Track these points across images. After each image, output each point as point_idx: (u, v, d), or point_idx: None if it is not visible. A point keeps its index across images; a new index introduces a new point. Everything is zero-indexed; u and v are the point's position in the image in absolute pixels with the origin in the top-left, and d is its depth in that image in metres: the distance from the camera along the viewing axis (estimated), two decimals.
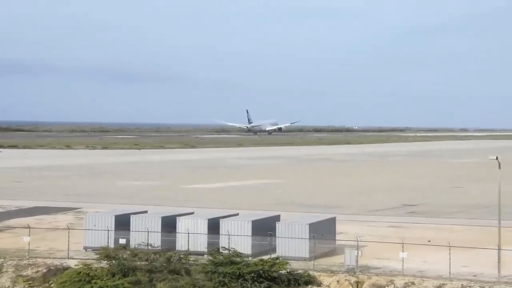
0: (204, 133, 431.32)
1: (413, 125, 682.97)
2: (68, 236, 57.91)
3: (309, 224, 56.26)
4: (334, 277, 50.89)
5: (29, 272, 53.65)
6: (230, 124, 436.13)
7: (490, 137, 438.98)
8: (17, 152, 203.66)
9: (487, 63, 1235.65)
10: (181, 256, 52.18)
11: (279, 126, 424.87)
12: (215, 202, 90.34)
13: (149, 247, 54.01)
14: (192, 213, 63.78)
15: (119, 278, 49.75)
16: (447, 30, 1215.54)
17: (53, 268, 53.90)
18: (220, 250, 53.15)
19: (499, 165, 50.58)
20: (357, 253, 52.18)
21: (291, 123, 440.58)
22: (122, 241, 56.67)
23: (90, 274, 50.27)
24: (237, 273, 49.36)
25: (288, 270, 50.57)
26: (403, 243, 52.94)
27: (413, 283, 49.61)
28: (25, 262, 54.76)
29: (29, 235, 58.27)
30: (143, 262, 51.36)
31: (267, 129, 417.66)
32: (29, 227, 60.50)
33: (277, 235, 56.10)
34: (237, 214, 62.91)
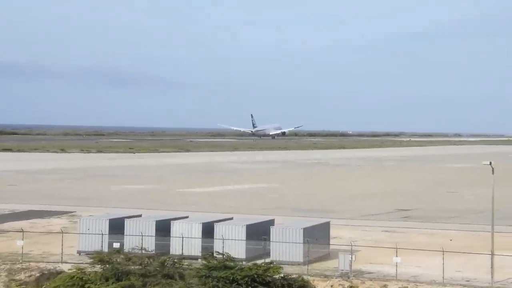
0: (199, 137, 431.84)
1: (407, 130, 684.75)
2: (62, 240, 57.79)
3: (303, 228, 56.30)
4: (328, 282, 50.92)
5: (22, 276, 53.49)
6: (235, 128, 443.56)
7: (483, 142, 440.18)
8: (11, 155, 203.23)
9: (481, 68, 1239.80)
10: (175, 260, 52.11)
11: (282, 131, 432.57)
12: (209, 206, 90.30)
13: (143, 251, 53.93)
14: (187, 217, 63.72)
15: (112, 283, 49.65)
16: (439, 35, 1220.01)
17: (46, 272, 53.76)
18: (214, 255, 53.12)
19: (493, 170, 50.72)
20: (351, 257, 52.22)
21: (294, 128, 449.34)
22: (116, 245, 56.55)
23: (83, 278, 50.14)
24: (231, 277, 49.33)
25: (282, 275, 50.54)
26: (397, 248, 53.01)
27: None
28: (18, 266, 54.60)
29: (22, 239, 58.12)
30: (137, 266, 51.26)
31: (271, 133, 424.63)
32: (22, 231, 60.35)
33: (271, 240, 56.12)
34: (231, 218, 62.91)
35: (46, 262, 55.79)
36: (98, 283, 49.63)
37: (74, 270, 51.29)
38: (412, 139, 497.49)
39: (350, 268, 52.08)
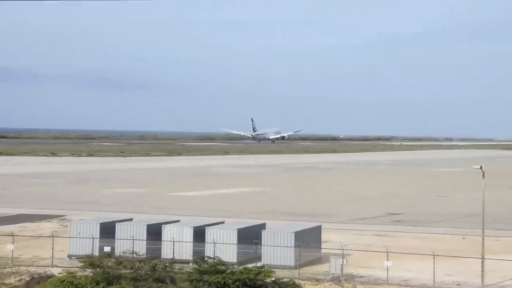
0: (190, 140, 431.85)
1: (398, 134, 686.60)
2: (52, 244, 57.58)
3: (295, 232, 56.34)
4: (319, 286, 50.97)
5: (12, 280, 53.26)
6: (235, 132, 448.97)
7: (474, 146, 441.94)
8: (1, 159, 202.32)
9: (472, 73, 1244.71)
10: (166, 264, 51.98)
11: (282, 135, 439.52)
12: (201, 210, 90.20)
13: (134, 255, 53.79)
14: (178, 221, 63.64)
15: (103, 287, 49.44)
16: (430, 39, 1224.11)
17: (36, 276, 53.55)
18: (205, 259, 53.06)
19: (483, 174, 50.93)
20: (342, 261, 52.28)
21: (294, 132, 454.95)
22: (107, 249, 56.43)
23: (74, 282, 49.92)
24: (222, 282, 49.25)
25: (274, 279, 50.50)
26: (388, 252, 53.10)
27: None
28: (8, 270, 54.36)
29: (12, 243, 57.87)
30: (128, 270, 51.10)
31: (270, 137, 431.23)
32: (12, 235, 60.07)
33: (262, 243, 56.12)
34: (222, 222, 62.88)
35: (36, 266, 55.58)
36: (89, 287, 49.45)
37: (65, 274, 51.05)
38: (403, 143, 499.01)
39: (341, 272, 52.13)
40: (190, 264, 54.34)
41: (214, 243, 56.12)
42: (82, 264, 52.20)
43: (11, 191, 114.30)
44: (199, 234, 57.45)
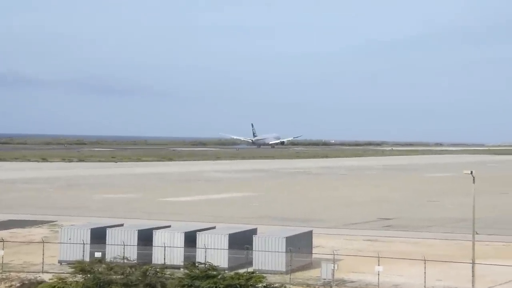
0: (182, 146, 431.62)
1: (389, 139, 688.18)
2: (43, 250, 57.38)
3: (286, 237, 56.34)
4: None
5: (2, 286, 53.01)
6: (236, 137, 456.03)
7: (464, 151, 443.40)
8: None
9: (463, 78, 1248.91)
10: (157, 269, 51.90)
11: (282, 140, 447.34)
12: (192, 215, 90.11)
13: (125, 261, 53.67)
14: (169, 226, 63.57)
15: None
16: (422, 44, 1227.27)
17: (27, 282, 53.32)
18: (196, 264, 52.99)
19: (474, 179, 51.10)
20: (333, 266, 52.31)
21: (293, 138, 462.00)
22: (98, 254, 56.26)
23: None
24: (214, 287, 49.18)
25: (265, 284, 50.42)
26: (379, 257, 53.19)
27: None
28: None
29: (2, 249, 57.62)
30: (119, 276, 50.99)
31: (270, 142, 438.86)
32: (2, 241, 59.80)
33: (253, 249, 56.09)
34: (214, 228, 62.83)
35: (26, 272, 55.34)
36: None
37: (55, 279, 50.87)
38: (394, 148, 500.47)
39: (333, 277, 52.16)
40: (181, 269, 54.22)
41: (205, 248, 56.06)
42: (72, 269, 52.03)
43: (1, 197, 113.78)
44: (190, 239, 57.37)
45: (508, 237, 75.93)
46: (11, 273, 54.69)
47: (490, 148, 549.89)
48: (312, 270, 56.14)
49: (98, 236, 58.83)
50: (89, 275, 50.75)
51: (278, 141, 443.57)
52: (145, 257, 56.39)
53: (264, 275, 51.63)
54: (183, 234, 57.85)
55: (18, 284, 53.11)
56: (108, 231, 59.07)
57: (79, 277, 51.00)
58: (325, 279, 52.36)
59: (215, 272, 50.59)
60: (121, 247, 56.84)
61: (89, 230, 59.55)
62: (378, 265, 52.65)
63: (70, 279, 50.92)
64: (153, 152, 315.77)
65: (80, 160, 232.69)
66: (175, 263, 56.16)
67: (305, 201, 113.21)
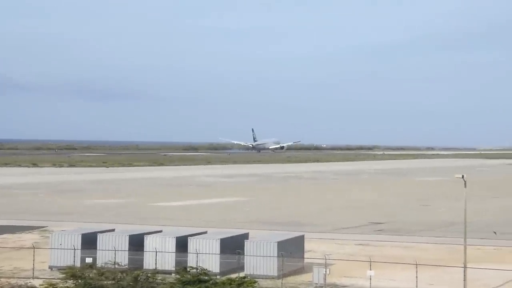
0: (173, 151, 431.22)
1: (381, 143, 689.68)
2: (33, 255, 57.04)
3: (278, 242, 56.23)
4: None
5: None
6: (236, 142, 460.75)
7: (456, 155, 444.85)
8: None
9: (454, 82, 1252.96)
10: (149, 275, 51.69)
11: (281, 145, 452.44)
12: (183, 220, 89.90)
13: (116, 266, 53.46)
14: (160, 231, 63.36)
15: None
16: (411, 48, 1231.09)
17: (17, 287, 52.95)
18: (188, 269, 52.83)
19: (465, 183, 51.16)
20: (325, 271, 52.23)
21: (293, 142, 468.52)
22: (89, 260, 55.99)
23: None
24: None
25: None
26: (370, 261, 53.16)
27: None
28: None
29: None
30: (110, 281, 50.74)
31: (270, 147, 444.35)
32: None
33: (245, 253, 55.96)
34: (205, 232, 62.67)
35: (17, 277, 55.00)
36: None
37: (46, 285, 50.58)
38: (385, 152, 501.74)
39: (324, 282, 52.09)
40: (173, 274, 54.08)
41: (197, 253, 55.89)
42: (63, 275, 51.78)
43: None
44: (181, 245, 57.18)
45: (499, 241, 76.10)
46: (1, 279, 54.29)
47: (482, 152, 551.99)
48: (304, 274, 56.04)
49: (89, 242, 58.57)
50: (80, 281, 50.51)
51: (278, 146, 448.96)
52: (136, 262, 56.16)
53: (256, 279, 51.55)
54: (175, 239, 57.67)
55: None
56: (99, 236, 58.81)
57: (70, 283, 50.75)
58: (317, 283, 52.28)
59: (206, 277, 50.47)
60: (112, 252, 56.58)
61: (80, 235, 59.27)
62: (370, 269, 52.61)
63: (61, 285, 50.65)
64: (144, 157, 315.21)
65: (71, 165, 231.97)
66: (166, 268, 55.97)
67: (296, 206, 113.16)
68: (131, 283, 50.34)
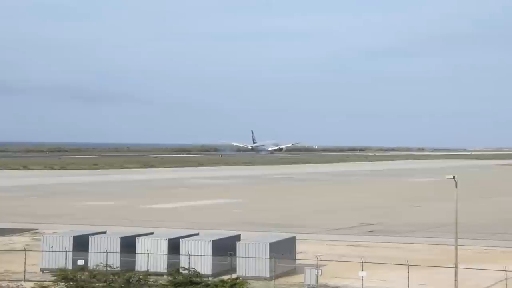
0: (164, 152, 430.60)
1: (372, 144, 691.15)
2: (25, 258, 56.88)
3: (270, 243, 56.30)
4: None
5: None
6: (236, 143, 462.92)
7: (447, 156, 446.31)
8: None
9: (445, 84, 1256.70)
10: (141, 276, 51.66)
11: (280, 147, 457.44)
12: (175, 222, 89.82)
13: (108, 268, 53.38)
14: (152, 233, 63.28)
15: None
16: (402, 51, 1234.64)
17: None
18: (180, 270, 52.81)
19: (456, 184, 51.37)
20: (317, 272, 52.32)
21: (292, 144, 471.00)
22: (80, 262, 55.90)
23: None
24: None
25: None
26: (362, 262, 53.28)
27: None
28: None
29: None
30: (102, 284, 50.70)
31: (269, 149, 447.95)
32: None
33: (237, 255, 55.99)
34: (197, 234, 62.66)
35: (8, 280, 54.82)
36: None
37: None
38: (377, 153, 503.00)
39: (316, 283, 52.16)
40: (165, 276, 54.04)
41: (189, 255, 55.88)
42: (55, 277, 51.67)
43: None
44: (173, 246, 57.15)
45: (489, 241, 76.44)
46: None
47: (473, 152, 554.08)
48: (295, 276, 56.12)
49: (81, 244, 58.46)
50: (71, 283, 50.44)
51: (277, 147, 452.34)
52: (128, 265, 56.07)
53: (248, 281, 51.60)
54: (167, 241, 57.63)
55: None
56: (91, 238, 58.72)
57: (62, 285, 50.67)
58: (308, 284, 52.35)
59: (198, 279, 50.47)
60: (104, 254, 56.50)
61: (72, 237, 59.15)
62: (362, 270, 52.73)
63: (53, 287, 50.55)
64: (136, 159, 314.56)
65: (62, 168, 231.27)
66: (158, 270, 55.93)
67: (288, 207, 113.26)
68: (123, 285, 50.30)
